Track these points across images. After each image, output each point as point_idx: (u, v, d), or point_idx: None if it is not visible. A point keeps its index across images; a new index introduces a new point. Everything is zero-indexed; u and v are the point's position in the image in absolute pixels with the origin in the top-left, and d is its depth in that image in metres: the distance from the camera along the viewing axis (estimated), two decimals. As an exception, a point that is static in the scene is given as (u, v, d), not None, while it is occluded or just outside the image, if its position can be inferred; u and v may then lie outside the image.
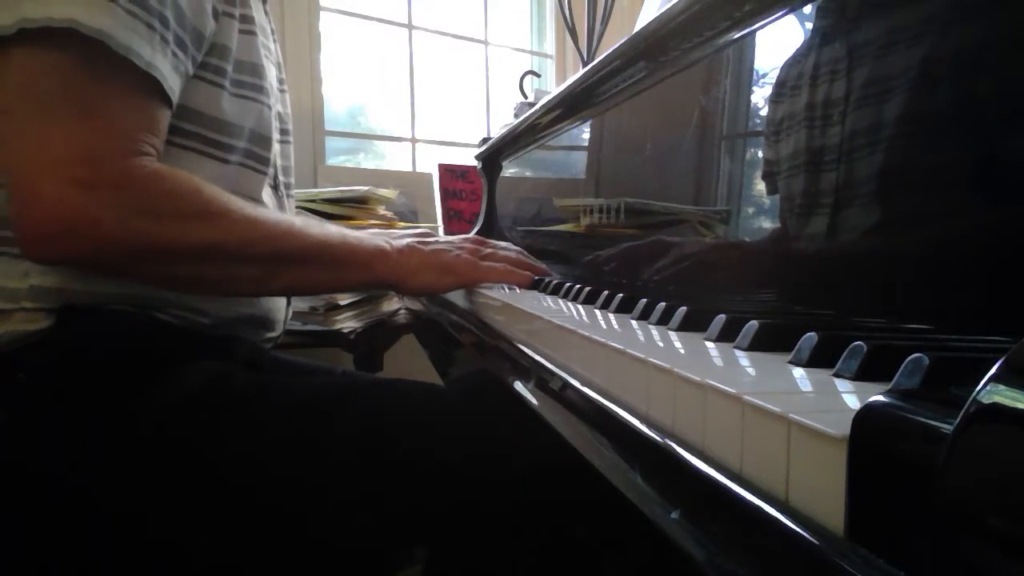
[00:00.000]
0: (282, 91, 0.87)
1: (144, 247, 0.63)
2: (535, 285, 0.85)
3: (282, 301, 0.87)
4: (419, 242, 0.83)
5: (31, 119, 0.59)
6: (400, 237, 0.84)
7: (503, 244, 0.92)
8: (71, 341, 0.67)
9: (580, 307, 0.63)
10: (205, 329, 0.75)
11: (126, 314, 0.69)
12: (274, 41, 0.86)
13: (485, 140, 1.52)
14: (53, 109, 0.59)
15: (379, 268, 0.78)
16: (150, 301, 0.71)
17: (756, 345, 0.37)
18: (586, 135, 1.02)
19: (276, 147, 0.84)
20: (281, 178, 0.87)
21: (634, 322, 0.51)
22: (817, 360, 0.32)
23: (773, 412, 0.24)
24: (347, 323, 1.34)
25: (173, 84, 0.66)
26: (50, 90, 0.59)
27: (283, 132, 0.87)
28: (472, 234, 0.89)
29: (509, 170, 1.42)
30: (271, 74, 0.82)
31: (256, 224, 0.69)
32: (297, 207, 1.24)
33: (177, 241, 0.64)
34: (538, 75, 2.13)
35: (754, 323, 0.38)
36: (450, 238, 0.89)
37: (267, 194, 0.83)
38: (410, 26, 2.15)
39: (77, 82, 0.60)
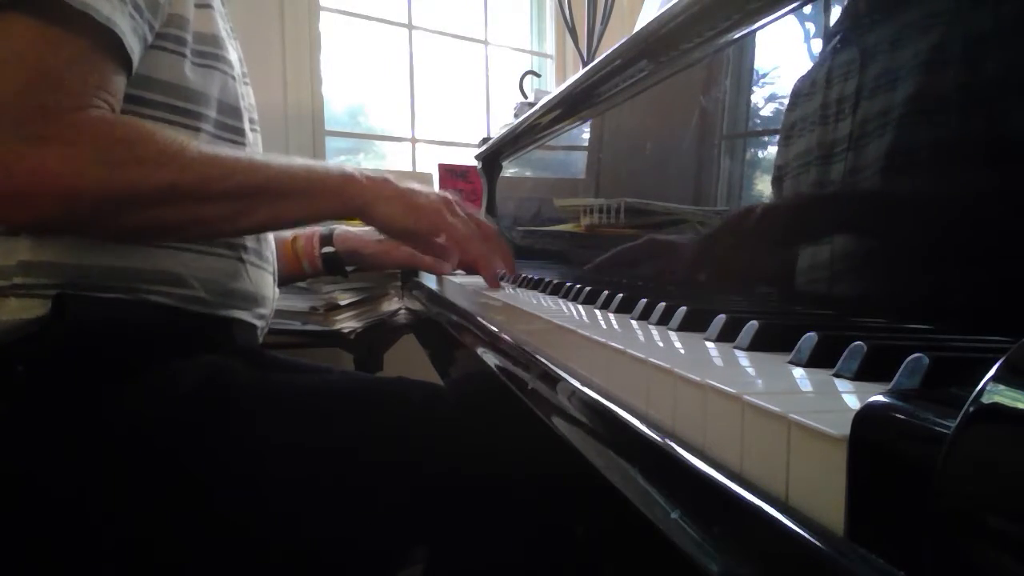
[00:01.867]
0: (245, 83, 0.86)
1: (106, 196, 0.63)
2: (535, 285, 0.85)
3: (269, 277, 0.86)
4: (394, 178, 0.82)
5: None
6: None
7: (475, 218, 0.89)
8: (68, 332, 0.66)
9: (580, 307, 0.63)
10: (200, 307, 0.75)
11: (119, 301, 0.69)
12: (234, 38, 0.86)
13: (485, 140, 1.52)
14: (5, 69, 0.59)
15: (348, 192, 0.77)
16: (140, 276, 0.70)
17: (756, 345, 0.37)
18: (586, 135, 1.02)
19: (248, 133, 0.84)
20: None
21: (634, 322, 0.51)
22: (817, 360, 0.32)
23: (773, 412, 0.24)
24: (347, 323, 1.34)
25: (132, 44, 0.65)
26: (4, 50, 0.59)
27: (251, 122, 0.86)
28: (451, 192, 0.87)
29: (509, 170, 1.42)
30: (232, 53, 0.82)
31: (214, 160, 0.68)
32: None
33: (137, 186, 0.64)
34: (538, 75, 2.13)
35: (754, 323, 0.38)
36: (428, 189, 0.86)
37: None
38: (410, 26, 2.15)
39: (30, 40, 0.59)
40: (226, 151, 0.72)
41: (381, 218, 0.80)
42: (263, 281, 0.84)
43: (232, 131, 0.80)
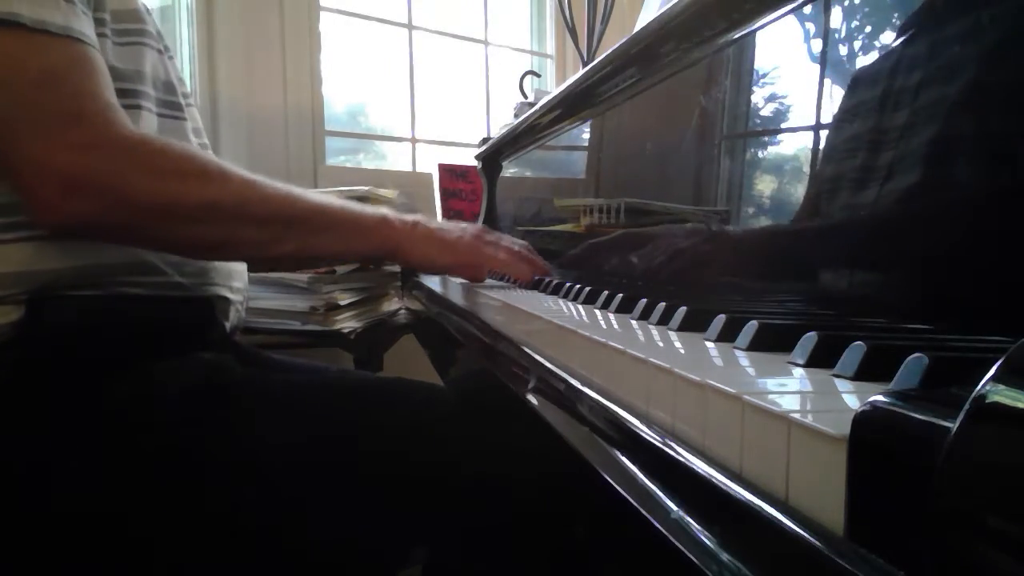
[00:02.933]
0: (170, 57, 0.85)
1: (149, 204, 0.64)
2: (535, 285, 0.85)
3: None
4: (425, 220, 0.83)
5: (4, 99, 0.60)
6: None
7: (508, 236, 0.93)
8: (46, 334, 0.66)
9: (580, 307, 0.63)
10: (178, 292, 0.74)
11: (95, 298, 0.68)
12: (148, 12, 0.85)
13: (485, 140, 1.52)
14: (22, 87, 0.61)
15: (382, 235, 0.78)
16: (113, 271, 0.70)
17: (756, 345, 0.37)
18: (586, 135, 1.02)
19: (184, 108, 0.83)
20: (195, 139, 0.85)
21: (634, 322, 0.51)
22: (817, 360, 0.32)
23: (773, 412, 0.24)
24: (347, 323, 1.34)
25: (90, 33, 0.66)
26: (6, 71, 0.61)
27: (184, 96, 0.85)
28: (479, 223, 0.90)
29: (509, 170, 1.42)
30: (153, 26, 0.80)
31: (253, 185, 0.70)
32: None
33: (179, 199, 0.65)
34: (538, 75, 2.13)
35: (754, 323, 0.38)
36: (457, 223, 0.89)
37: None
38: (410, 26, 2.15)
39: (24, 61, 0.61)
40: (265, 178, 0.73)
41: (419, 259, 0.82)
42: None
43: (170, 107, 0.79)
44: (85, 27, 0.66)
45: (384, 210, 0.81)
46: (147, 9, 0.81)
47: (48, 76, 0.62)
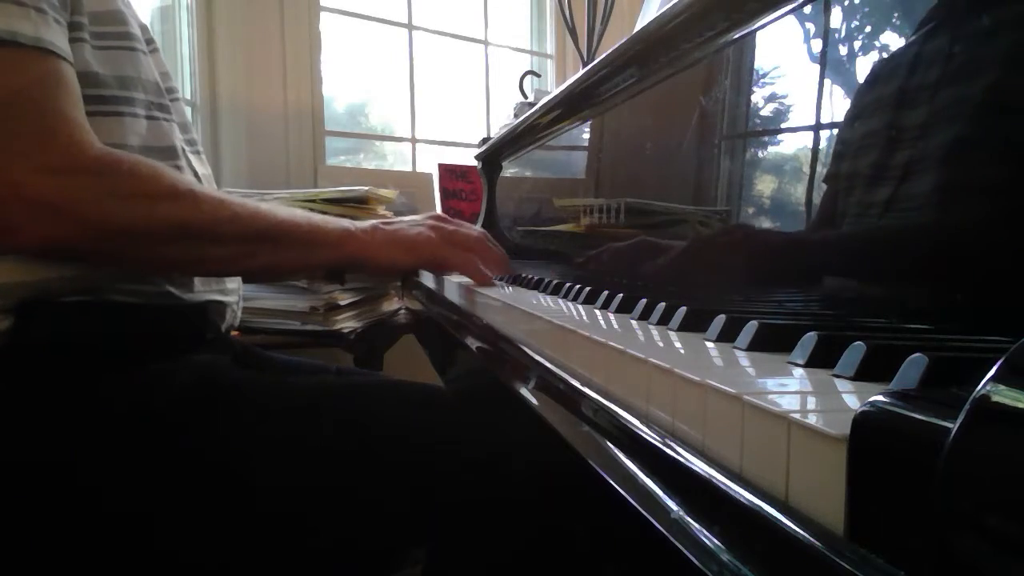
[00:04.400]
0: (155, 51, 0.84)
1: (117, 227, 0.64)
2: (535, 285, 0.85)
3: None
4: (382, 222, 0.85)
5: None
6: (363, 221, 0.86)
7: (466, 224, 0.92)
8: (38, 343, 0.66)
9: (580, 307, 0.63)
10: (167, 300, 0.74)
11: (86, 304, 0.68)
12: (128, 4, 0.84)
13: (485, 140, 1.52)
14: (11, 102, 0.60)
15: (347, 247, 0.80)
16: (101, 281, 0.69)
17: (756, 345, 0.37)
18: (586, 135, 1.02)
19: (170, 106, 0.82)
20: (182, 135, 0.84)
21: (634, 322, 0.51)
22: (817, 360, 0.32)
23: (773, 412, 0.24)
24: (347, 323, 1.34)
25: (63, 44, 0.65)
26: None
27: (169, 91, 0.84)
28: (434, 212, 0.90)
29: (509, 170, 1.42)
30: (135, 24, 0.80)
31: (222, 204, 0.70)
32: (297, 206, 1.24)
33: (150, 221, 0.65)
34: (538, 75, 2.13)
35: (754, 323, 0.38)
36: (412, 217, 0.90)
37: (183, 154, 0.81)
38: (410, 26, 2.15)
39: (16, 73, 0.60)
40: (233, 196, 0.74)
41: (387, 266, 0.84)
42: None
43: (158, 108, 0.79)
44: (57, 37, 0.64)
45: (345, 222, 0.82)
46: (127, 3, 0.80)
47: (17, 95, 0.61)
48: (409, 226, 0.86)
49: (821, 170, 0.50)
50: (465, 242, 0.87)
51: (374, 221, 0.86)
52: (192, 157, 0.84)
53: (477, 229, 0.92)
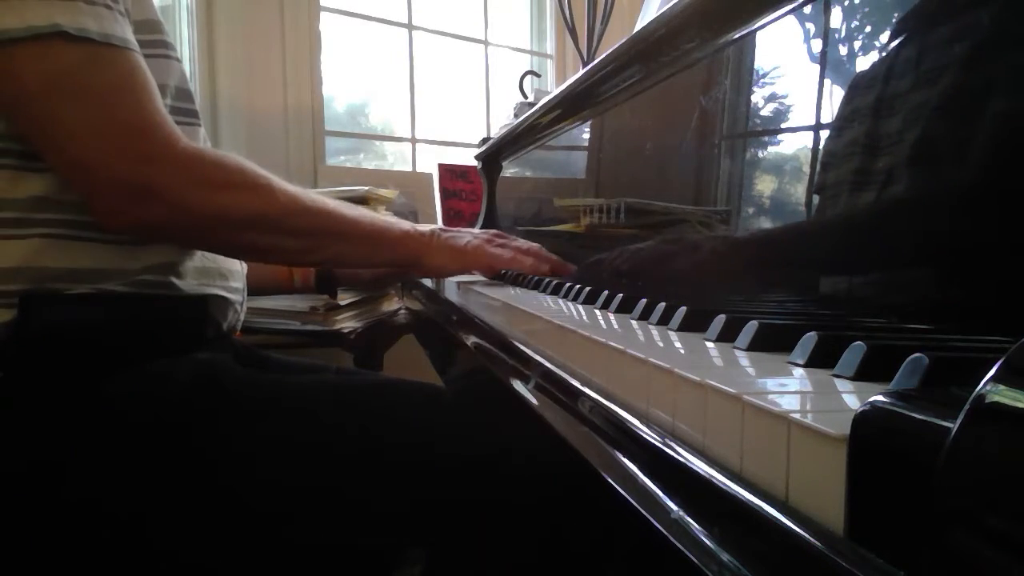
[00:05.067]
0: (177, 60, 0.86)
1: (204, 213, 0.70)
2: (535, 285, 0.85)
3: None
4: (441, 229, 0.92)
5: (74, 111, 0.63)
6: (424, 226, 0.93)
7: (522, 240, 0.97)
8: (40, 334, 0.66)
9: (580, 307, 0.63)
10: (169, 291, 0.75)
11: (88, 296, 0.69)
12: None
13: (485, 140, 1.52)
14: (85, 101, 0.64)
15: (404, 247, 0.87)
16: (103, 275, 0.70)
17: (756, 345, 0.37)
18: (586, 135, 1.02)
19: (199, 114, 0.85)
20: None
21: (634, 322, 0.51)
22: (817, 360, 0.32)
23: (773, 412, 0.24)
24: (347, 323, 1.34)
25: (135, 43, 0.69)
26: (71, 84, 0.63)
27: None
28: (483, 226, 0.96)
29: (509, 170, 1.42)
30: (167, 31, 0.82)
31: (295, 198, 0.76)
32: None
33: (230, 210, 0.71)
34: (538, 75, 2.13)
35: (754, 323, 0.38)
36: (471, 230, 0.97)
37: None
38: (410, 26, 2.15)
39: (86, 73, 0.64)
40: (305, 191, 0.79)
41: (435, 269, 0.92)
42: (225, 256, 0.84)
43: (186, 114, 0.80)
44: (132, 37, 0.69)
45: (406, 225, 0.89)
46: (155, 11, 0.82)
47: (114, 89, 0.65)
48: (464, 234, 0.93)
49: (821, 170, 0.50)
50: (516, 250, 0.92)
51: (435, 227, 0.92)
52: None
53: (532, 244, 0.97)
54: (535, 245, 0.96)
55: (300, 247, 0.79)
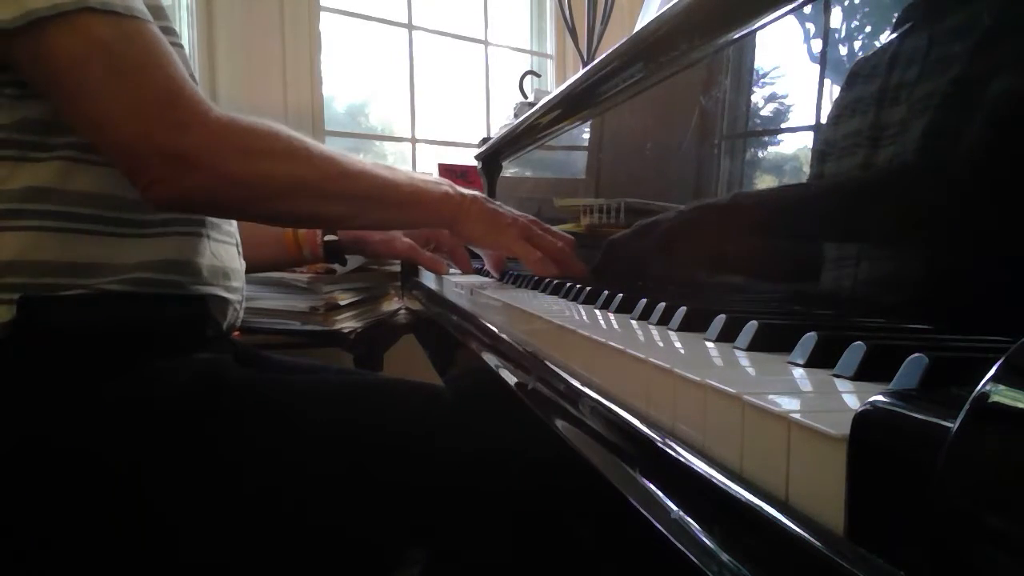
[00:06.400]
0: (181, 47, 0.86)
1: (242, 182, 0.69)
2: (535, 285, 0.85)
3: (233, 250, 0.86)
4: (483, 197, 0.88)
5: (108, 84, 0.63)
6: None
7: (556, 232, 0.93)
8: (39, 335, 0.66)
9: (580, 307, 0.63)
10: (171, 289, 0.74)
11: (86, 297, 0.68)
12: None
13: (485, 140, 1.52)
14: (118, 72, 0.63)
15: (444, 208, 0.84)
16: (102, 271, 0.70)
17: (756, 345, 0.37)
18: (586, 135, 1.02)
19: None
20: None
21: (634, 322, 0.51)
22: (817, 360, 0.32)
23: (773, 412, 0.24)
24: (347, 323, 1.34)
25: (152, 19, 0.69)
26: (103, 57, 0.63)
27: None
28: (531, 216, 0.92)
29: (509, 170, 1.42)
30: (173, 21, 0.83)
31: (333, 161, 0.75)
32: None
33: (269, 176, 0.70)
34: (538, 75, 2.13)
35: (754, 323, 0.38)
36: (511, 209, 0.92)
37: None
38: (410, 26, 2.15)
39: (115, 45, 0.64)
40: (343, 154, 0.77)
41: (468, 234, 0.88)
42: (228, 254, 0.84)
43: None
44: (148, 14, 0.68)
45: (445, 185, 0.86)
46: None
47: (144, 60, 0.65)
48: (505, 210, 0.89)
49: (821, 170, 0.50)
50: (549, 247, 0.88)
51: (476, 192, 0.88)
52: None
53: (567, 236, 0.93)
54: (566, 245, 0.91)
55: (340, 213, 0.78)
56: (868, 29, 0.49)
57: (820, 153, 0.51)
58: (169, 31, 0.77)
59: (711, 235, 0.65)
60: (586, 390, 0.40)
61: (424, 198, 0.82)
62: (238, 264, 0.86)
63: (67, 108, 0.65)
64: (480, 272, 1.15)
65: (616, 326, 0.49)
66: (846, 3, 0.50)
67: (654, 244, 0.75)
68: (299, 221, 0.82)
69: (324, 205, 0.75)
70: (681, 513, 0.27)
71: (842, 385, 0.28)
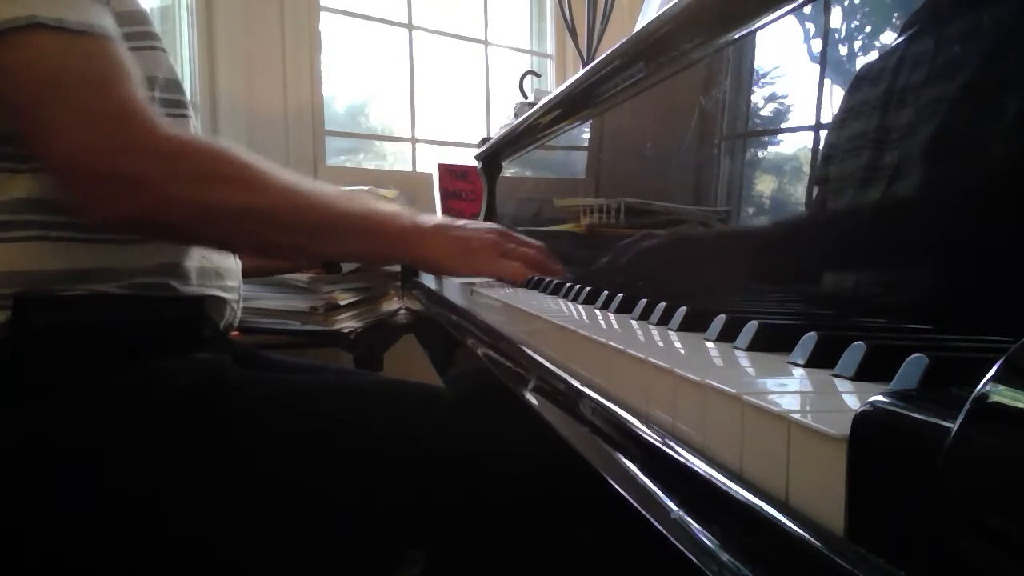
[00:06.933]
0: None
1: (191, 207, 0.67)
2: (535, 285, 0.85)
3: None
4: (446, 224, 0.86)
5: (51, 103, 0.62)
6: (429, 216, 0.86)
7: (527, 240, 0.92)
8: (35, 335, 0.66)
9: (580, 307, 0.63)
10: (165, 292, 0.74)
11: (82, 298, 0.68)
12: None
13: (485, 140, 1.52)
14: (66, 90, 0.62)
15: (407, 242, 0.81)
16: (101, 275, 0.70)
17: (756, 345, 0.37)
18: (586, 135, 1.02)
19: (189, 106, 0.83)
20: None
21: (634, 322, 0.51)
22: (817, 360, 0.32)
23: (773, 412, 0.24)
24: (347, 323, 1.34)
25: (118, 34, 0.68)
26: (51, 75, 0.62)
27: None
28: (499, 225, 0.91)
29: (509, 170, 1.42)
30: (153, 24, 0.81)
31: (287, 191, 0.72)
32: None
33: (218, 203, 0.68)
34: (538, 75, 2.13)
35: (754, 323, 0.38)
36: (477, 224, 0.91)
37: None
38: (410, 26, 2.15)
39: (66, 63, 0.63)
40: (303, 181, 0.75)
41: (437, 265, 0.86)
42: (219, 254, 0.83)
43: (177, 105, 0.80)
44: (114, 28, 0.67)
45: (407, 217, 0.83)
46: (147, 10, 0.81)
47: (93, 78, 0.63)
48: (472, 233, 0.87)
49: (820, 169, 0.50)
50: (524, 257, 0.88)
51: (441, 220, 0.86)
52: None
53: (537, 243, 0.93)
54: (540, 251, 0.92)
55: (293, 243, 0.75)
56: (868, 29, 0.49)
57: (822, 154, 0.51)
58: (147, 35, 0.76)
59: (712, 236, 0.65)
60: (586, 390, 0.40)
61: (383, 230, 0.80)
62: (232, 263, 0.86)
63: (21, 126, 0.64)
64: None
65: (616, 326, 0.49)
66: (846, 3, 0.50)
67: (658, 246, 0.75)
68: (248, 249, 0.79)
69: (274, 234, 0.73)
70: (681, 513, 0.26)
71: (842, 385, 0.28)
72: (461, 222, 0.90)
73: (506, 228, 0.92)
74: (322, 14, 1.93)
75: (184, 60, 1.74)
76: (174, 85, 0.80)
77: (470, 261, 0.84)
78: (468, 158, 1.85)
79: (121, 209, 0.64)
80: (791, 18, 0.56)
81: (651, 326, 0.48)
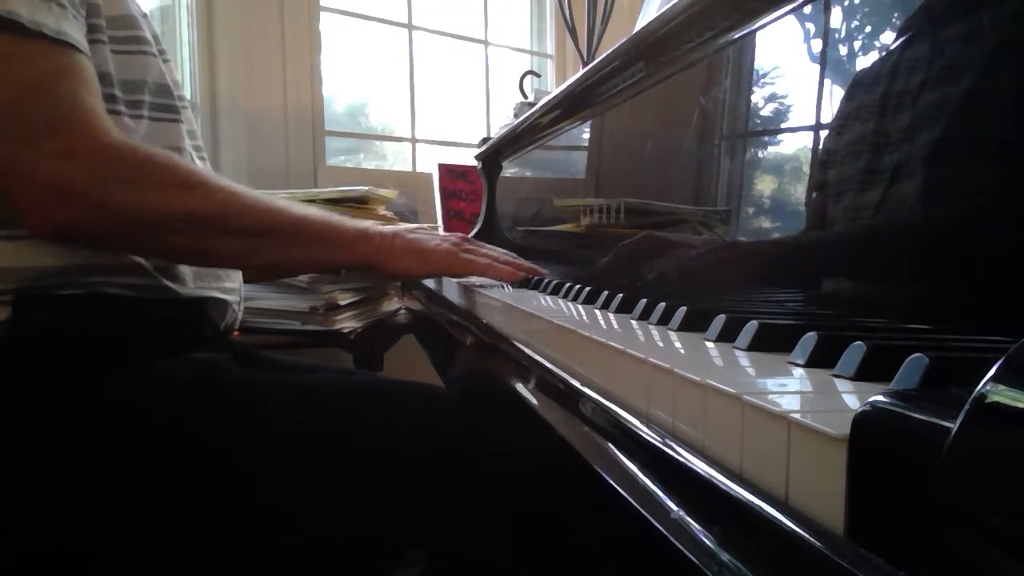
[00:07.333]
0: (166, 60, 0.84)
1: (129, 214, 0.65)
2: (535, 285, 0.85)
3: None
4: (406, 230, 0.85)
5: None
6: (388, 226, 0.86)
7: (489, 246, 0.92)
8: (37, 335, 0.66)
9: (580, 307, 0.63)
10: (165, 294, 0.74)
11: (81, 297, 0.68)
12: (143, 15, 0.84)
13: (485, 140, 1.52)
14: (11, 92, 0.61)
15: (360, 249, 0.80)
16: (99, 271, 0.69)
17: (756, 345, 0.37)
18: (586, 135, 1.02)
19: (180, 111, 0.83)
20: (189, 141, 0.84)
21: (634, 322, 0.51)
22: (817, 360, 0.32)
23: (773, 412, 0.24)
24: (347, 323, 1.34)
25: (81, 38, 0.67)
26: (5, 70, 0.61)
27: (180, 99, 0.84)
28: (468, 235, 0.91)
29: (509, 170, 1.42)
30: (147, 30, 0.81)
31: (234, 197, 0.71)
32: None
33: (159, 209, 0.66)
34: (538, 75, 2.13)
35: (754, 323, 0.38)
36: (438, 233, 0.90)
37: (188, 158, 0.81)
38: (410, 26, 2.15)
39: (10, 66, 0.61)
40: (247, 190, 0.74)
41: (397, 272, 0.84)
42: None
43: (164, 109, 0.79)
44: (76, 32, 0.66)
45: (367, 223, 0.82)
46: (143, 14, 0.81)
47: (37, 82, 0.62)
48: (431, 236, 0.86)
49: (821, 170, 0.50)
50: (487, 256, 0.87)
51: (398, 227, 0.85)
52: (199, 163, 0.84)
53: (500, 250, 0.92)
54: (507, 253, 0.92)
55: (240, 249, 0.73)
56: (868, 29, 0.49)
57: (822, 155, 0.51)
58: (137, 40, 0.76)
59: (712, 237, 0.65)
60: (586, 390, 0.41)
61: (338, 238, 0.78)
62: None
63: None
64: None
65: (616, 326, 0.49)
66: (846, 3, 0.50)
67: (662, 249, 0.75)
68: (193, 257, 0.74)
69: (219, 241, 0.71)
70: (681, 513, 0.27)
71: (842, 385, 0.28)
72: (422, 228, 0.90)
73: (466, 236, 0.92)
74: (322, 14, 1.93)
75: (184, 60, 1.74)
76: (165, 90, 0.79)
77: (428, 262, 0.83)
78: (468, 158, 1.85)
79: (57, 216, 0.62)
80: (791, 18, 0.56)
81: (651, 326, 0.48)
